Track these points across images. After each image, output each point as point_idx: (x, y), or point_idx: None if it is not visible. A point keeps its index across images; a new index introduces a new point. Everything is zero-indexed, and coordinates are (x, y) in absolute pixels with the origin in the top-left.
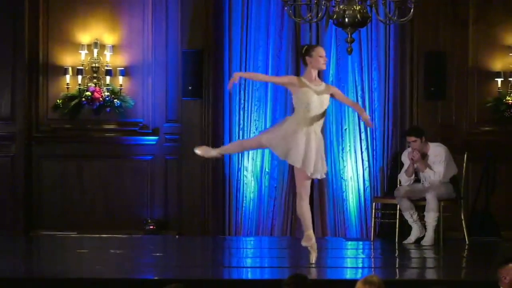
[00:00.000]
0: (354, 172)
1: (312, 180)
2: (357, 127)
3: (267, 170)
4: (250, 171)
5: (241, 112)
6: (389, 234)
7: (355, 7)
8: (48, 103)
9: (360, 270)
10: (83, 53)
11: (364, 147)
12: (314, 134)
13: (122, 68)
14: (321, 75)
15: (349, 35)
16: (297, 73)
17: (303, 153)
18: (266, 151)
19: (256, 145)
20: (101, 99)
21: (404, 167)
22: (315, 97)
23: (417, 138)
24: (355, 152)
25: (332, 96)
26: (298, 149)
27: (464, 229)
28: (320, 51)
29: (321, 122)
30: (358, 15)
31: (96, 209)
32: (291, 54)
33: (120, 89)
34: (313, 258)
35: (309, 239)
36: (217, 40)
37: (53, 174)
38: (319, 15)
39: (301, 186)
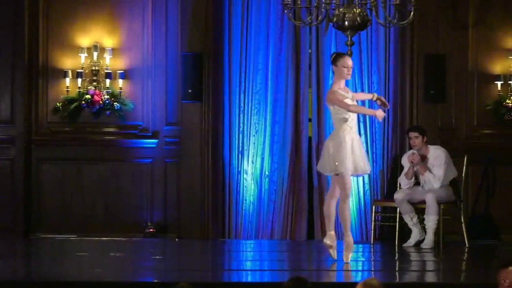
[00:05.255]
0: (354, 175)
1: (312, 183)
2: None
3: (267, 173)
4: (250, 174)
5: (241, 115)
6: (389, 237)
7: (355, 10)
8: (48, 106)
9: (360, 273)
10: (83, 56)
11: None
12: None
13: (122, 71)
14: (321, 78)
15: (349, 38)
16: (297, 76)
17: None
18: (266, 154)
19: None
20: (101, 102)
21: (404, 170)
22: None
23: (420, 135)
24: None
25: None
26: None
27: (464, 232)
28: (346, 61)
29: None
30: (358, 18)
31: (96, 212)
32: (291, 57)
33: (120, 92)
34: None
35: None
36: (217, 43)
37: (53, 177)
38: (319, 18)
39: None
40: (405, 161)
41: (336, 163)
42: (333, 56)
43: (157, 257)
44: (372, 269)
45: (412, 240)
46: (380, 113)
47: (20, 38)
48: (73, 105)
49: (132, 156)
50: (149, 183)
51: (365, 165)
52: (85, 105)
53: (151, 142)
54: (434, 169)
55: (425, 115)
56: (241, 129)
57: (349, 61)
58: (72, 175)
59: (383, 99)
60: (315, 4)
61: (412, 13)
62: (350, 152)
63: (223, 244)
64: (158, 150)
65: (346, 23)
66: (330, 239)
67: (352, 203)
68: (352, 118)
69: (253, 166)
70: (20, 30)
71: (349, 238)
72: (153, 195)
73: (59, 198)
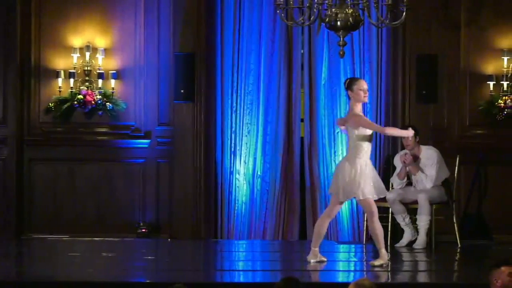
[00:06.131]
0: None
1: (304, 183)
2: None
3: (259, 173)
4: (242, 175)
5: (233, 115)
6: None
7: (347, 10)
8: (40, 106)
9: (352, 273)
10: (75, 56)
11: None
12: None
13: (114, 71)
14: (313, 78)
15: (341, 38)
16: (289, 76)
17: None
18: (258, 154)
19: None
20: (93, 102)
21: (396, 171)
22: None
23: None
24: None
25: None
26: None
27: (456, 232)
28: (362, 84)
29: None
30: (351, 19)
31: (88, 212)
32: (283, 57)
33: (112, 92)
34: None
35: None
36: (209, 43)
37: (45, 177)
38: (312, 19)
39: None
40: (397, 161)
41: (360, 189)
42: (347, 81)
43: (149, 257)
44: (364, 269)
45: (404, 240)
46: (409, 133)
47: (12, 38)
48: (66, 105)
49: (124, 156)
50: (141, 183)
51: (383, 188)
52: (77, 105)
53: (143, 142)
54: (426, 169)
55: (417, 115)
56: (233, 129)
57: (365, 84)
58: (64, 175)
59: None
60: (308, 4)
61: (404, 14)
62: (369, 175)
63: (215, 244)
64: (150, 150)
65: (339, 23)
66: (313, 255)
67: (344, 204)
68: (370, 143)
69: (245, 166)
70: (12, 30)
71: (382, 253)
72: (145, 195)
73: (51, 198)
